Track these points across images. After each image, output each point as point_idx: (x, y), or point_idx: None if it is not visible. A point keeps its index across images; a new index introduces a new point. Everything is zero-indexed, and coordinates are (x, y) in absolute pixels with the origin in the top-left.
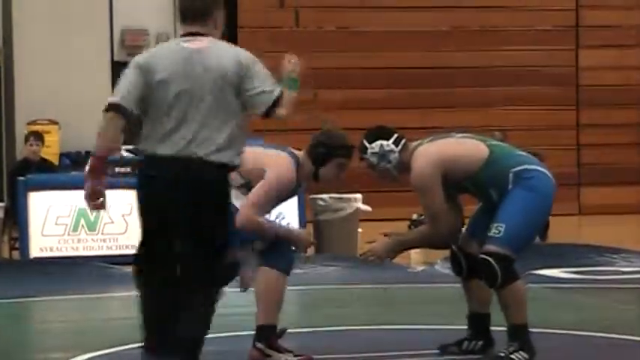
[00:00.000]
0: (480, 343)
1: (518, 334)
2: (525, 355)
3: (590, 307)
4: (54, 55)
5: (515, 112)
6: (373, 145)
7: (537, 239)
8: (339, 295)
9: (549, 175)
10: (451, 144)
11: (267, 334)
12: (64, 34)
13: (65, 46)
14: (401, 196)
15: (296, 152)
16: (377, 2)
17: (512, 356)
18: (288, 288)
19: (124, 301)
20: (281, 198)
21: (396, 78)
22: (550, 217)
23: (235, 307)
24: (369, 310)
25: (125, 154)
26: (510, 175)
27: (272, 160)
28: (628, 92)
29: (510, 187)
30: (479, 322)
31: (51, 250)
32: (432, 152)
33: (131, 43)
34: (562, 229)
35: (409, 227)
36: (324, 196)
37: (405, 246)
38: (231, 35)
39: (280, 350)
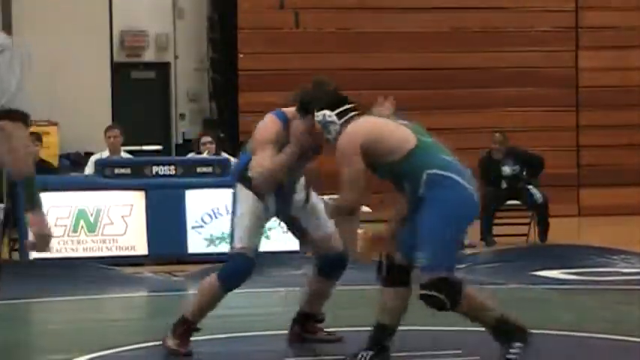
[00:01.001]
0: (371, 353)
1: (509, 334)
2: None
3: (591, 308)
4: (53, 57)
5: (515, 113)
6: (318, 114)
7: (538, 241)
8: (341, 296)
9: (465, 184)
10: (382, 124)
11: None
12: (63, 35)
13: (65, 47)
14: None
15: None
16: (377, 3)
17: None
18: (290, 289)
19: (123, 303)
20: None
21: (396, 79)
22: (550, 219)
23: (235, 308)
24: (372, 311)
25: (125, 155)
26: (424, 175)
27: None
28: (628, 93)
29: (422, 190)
30: (377, 332)
31: (50, 251)
32: (359, 125)
33: (131, 44)
34: (562, 231)
35: None
36: (324, 196)
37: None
38: (230, 37)
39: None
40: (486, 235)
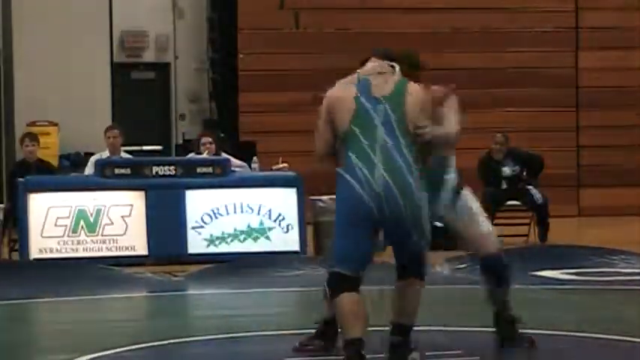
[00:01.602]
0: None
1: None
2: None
3: (591, 308)
4: (54, 57)
5: (515, 113)
6: None
7: (538, 241)
8: None
9: (353, 184)
10: (346, 100)
11: None
12: (64, 36)
13: (65, 47)
14: None
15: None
16: (377, 3)
17: None
18: (288, 289)
19: (124, 303)
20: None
21: None
22: (550, 219)
23: (237, 309)
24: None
25: (125, 155)
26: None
27: None
28: (628, 94)
29: None
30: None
31: (50, 251)
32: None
33: (131, 44)
34: (562, 231)
35: None
36: (324, 197)
37: None
38: (230, 37)
39: None
40: None
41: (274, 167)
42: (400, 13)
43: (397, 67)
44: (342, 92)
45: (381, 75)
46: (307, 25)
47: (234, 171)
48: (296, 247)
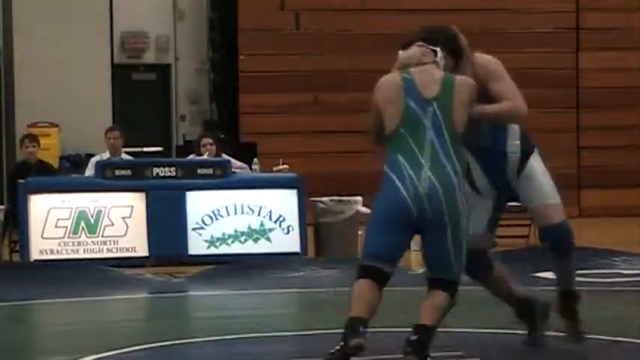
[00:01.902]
0: None
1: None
2: None
3: (592, 309)
4: (54, 58)
5: None
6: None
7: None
8: (341, 298)
9: (398, 185)
10: (394, 102)
11: None
12: (64, 37)
13: (65, 49)
14: None
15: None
16: (377, 5)
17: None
18: (289, 291)
19: (124, 304)
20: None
21: None
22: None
23: (236, 309)
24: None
25: (125, 156)
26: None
27: None
28: (629, 94)
29: None
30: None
31: (51, 252)
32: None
33: (131, 46)
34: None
35: None
36: (325, 198)
37: None
38: (231, 38)
39: None
40: None
41: (275, 168)
42: (400, 14)
43: (439, 54)
44: (390, 93)
45: (424, 68)
46: (307, 26)
47: (234, 172)
48: (296, 248)
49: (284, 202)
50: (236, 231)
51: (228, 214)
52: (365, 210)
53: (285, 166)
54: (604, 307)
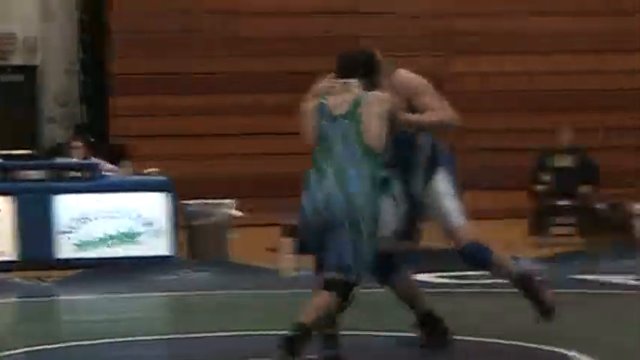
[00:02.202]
0: None
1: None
2: None
3: (464, 312)
4: None
5: None
6: None
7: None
8: (212, 301)
9: (305, 198)
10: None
11: None
12: None
13: None
14: (273, 202)
15: None
16: (250, 8)
17: None
18: (159, 294)
19: None
20: None
21: (270, 83)
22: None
23: (108, 313)
24: (243, 315)
25: None
26: None
27: None
28: (507, 99)
29: None
30: None
31: None
32: None
33: None
34: (436, 233)
35: (281, 233)
36: (196, 201)
37: None
38: (102, 40)
39: None
40: None
41: (145, 171)
42: (263, 16)
43: (355, 83)
44: (310, 116)
45: (337, 94)
46: (178, 29)
47: (104, 175)
48: (167, 251)
49: (154, 205)
50: (105, 234)
51: (98, 218)
52: (237, 213)
53: (156, 169)
54: (477, 309)
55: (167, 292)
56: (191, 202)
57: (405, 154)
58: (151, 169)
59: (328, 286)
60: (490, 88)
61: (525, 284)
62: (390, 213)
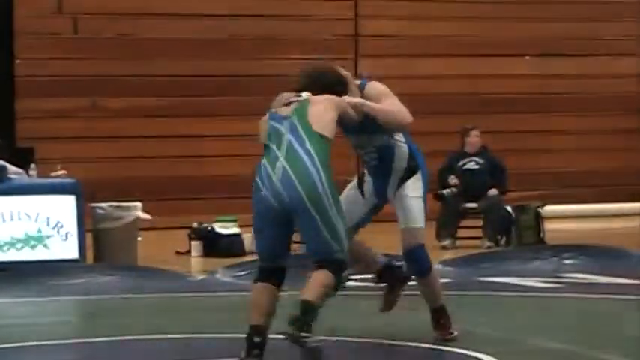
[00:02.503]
0: None
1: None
2: None
3: (377, 314)
4: None
5: None
6: None
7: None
8: (120, 304)
9: (259, 184)
10: (262, 125)
11: None
12: None
13: None
14: (180, 205)
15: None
16: (159, 9)
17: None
18: (67, 298)
19: None
20: None
21: (177, 86)
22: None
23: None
24: (151, 319)
25: None
26: None
27: None
28: (411, 102)
29: None
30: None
31: None
32: None
33: None
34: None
35: (189, 236)
36: (104, 204)
37: None
38: (6, 42)
39: None
40: None
41: (53, 174)
42: (179, 19)
43: (304, 96)
44: (262, 123)
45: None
46: (86, 30)
47: (10, 178)
48: (75, 254)
49: (62, 209)
50: (12, 238)
51: (4, 221)
52: (144, 216)
53: (64, 172)
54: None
55: (74, 296)
56: (99, 205)
57: (385, 161)
58: (58, 172)
59: (319, 266)
60: (396, 91)
61: (437, 317)
62: (355, 206)
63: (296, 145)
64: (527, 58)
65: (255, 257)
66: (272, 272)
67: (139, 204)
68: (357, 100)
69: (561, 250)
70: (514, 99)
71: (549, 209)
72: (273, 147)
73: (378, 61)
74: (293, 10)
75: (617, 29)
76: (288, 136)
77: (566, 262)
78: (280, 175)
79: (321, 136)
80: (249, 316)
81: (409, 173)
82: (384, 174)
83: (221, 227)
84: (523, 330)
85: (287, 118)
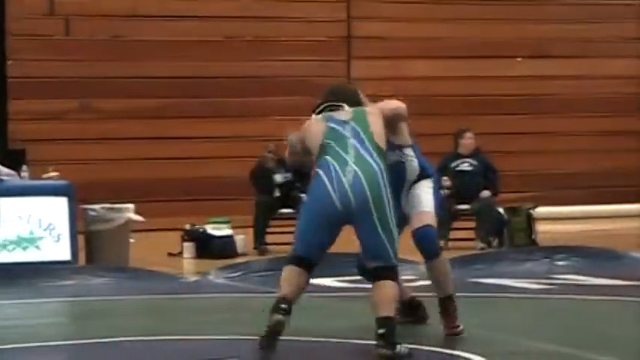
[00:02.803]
0: None
1: None
2: None
3: (362, 314)
4: None
5: (288, 122)
6: None
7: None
8: (112, 306)
9: (326, 182)
10: (317, 125)
11: None
12: None
13: None
14: (173, 206)
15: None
16: (148, 11)
17: None
18: (59, 299)
19: None
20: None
21: (169, 87)
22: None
23: (6, 320)
24: (143, 321)
25: None
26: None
27: None
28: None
29: None
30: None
31: None
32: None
33: None
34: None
35: (182, 237)
36: (96, 206)
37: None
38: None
39: None
40: (259, 243)
41: (44, 176)
42: (172, 20)
43: (345, 107)
44: (313, 123)
45: (336, 111)
46: (78, 32)
47: (2, 180)
48: (67, 256)
49: (54, 210)
50: (4, 239)
51: None
52: (137, 217)
53: (56, 174)
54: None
55: (66, 298)
56: (91, 206)
57: (398, 177)
58: (50, 174)
59: (379, 274)
60: (388, 93)
61: (445, 305)
62: None
63: (362, 151)
64: (519, 59)
65: (247, 259)
66: (306, 263)
67: (131, 206)
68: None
69: (553, 251)
70: (506, 100)
71: (541, 211)
72: (338, 149)
73: (371, 62)
74: (286, 12)
75: (608, 31)
76: (352, 141)
77: (559, 263)
78: (352, 178)
79: (379, 147)
80: (278, 290)
81: (420, 176)
82: (396, 188)
83: (214, 229)
84: (515, 331)
85: (347, 123)
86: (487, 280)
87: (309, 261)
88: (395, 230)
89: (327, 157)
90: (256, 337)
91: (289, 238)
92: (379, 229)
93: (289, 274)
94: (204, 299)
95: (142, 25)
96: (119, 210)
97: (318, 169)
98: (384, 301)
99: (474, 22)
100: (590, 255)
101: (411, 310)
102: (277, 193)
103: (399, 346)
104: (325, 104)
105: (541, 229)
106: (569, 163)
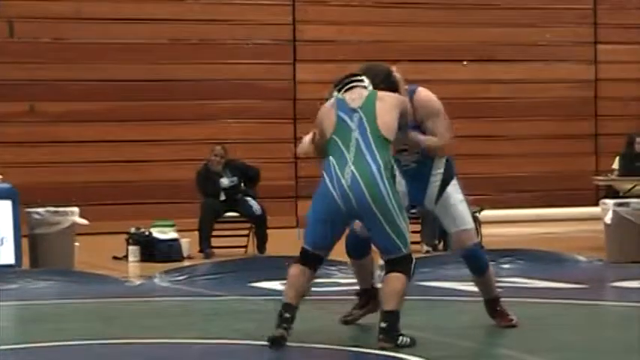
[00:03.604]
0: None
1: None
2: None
3: (309, 318)
4: None
5: (233, 125)
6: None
7: (256, 252)
8: (57, 309)
9: (328, 183)
10: (329, 114)
11: None
12: None
13: None
14: (118, 209)
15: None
16: (93, 14)
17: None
18: (4, 303)
19: None
20: None
21: (115, 90)
22: (269, 230)
23: None
24: (89, 324)
25: None
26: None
27: None
28: None
29: None
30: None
31: None
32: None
33: None
34: (281, 242)
35: (127, 241)
36: (40, 209)
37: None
38: None
39: None
40: (205, 247)
41: None
42: (117, 23)
43: (366, 81)
44: (326, 111)
45: (354, 90)
46: (22, 34)
47: None
48: (11, 260)
49: None
50: None
51: None
52: (81, 221)
53: None
54: (320, 316)
55: (10, 302)
56: (35, 209)
57: (424, 166)
58: None
59: (390, 267)
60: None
61: (492, 306)
62: None
63: (363, 147)
64: (464, 63)
65: (192, 262)
66: (314, 258)
67: (75, 209)
68: (417, 138)
69: (499, 254)
70: (451, 104)
71: (487, 214)
72: (342, 146)
73: (316, 66)
74: (232, 15)
75: (554, 35)
76: (356, 135)
77: (504, 266)
78: (350, 180)
79: (386, 139)
80: (285, 293)
81: (444, 182)
82: (421, 179)
83: (159, 232)
84: (461, 334)
85: (356, 112)
86: (432, 284)
87: (316, 255)
88: (401, 220)
89: (331, 159)
90: (202, 341)
91: (234, 241)
92: (384, 224)
93: (294, 275)
94: (149, 303)
95: (86, 27)
96: (64, 213)
97: (323, 171)
98: (390, 294)
99: (419, 26)
100: (535, 258)
101: (367, 299)
102: (223, 197)
103: (401, 337)
104: (347, 80)
105: (486, 232)
106: (515, 166)
